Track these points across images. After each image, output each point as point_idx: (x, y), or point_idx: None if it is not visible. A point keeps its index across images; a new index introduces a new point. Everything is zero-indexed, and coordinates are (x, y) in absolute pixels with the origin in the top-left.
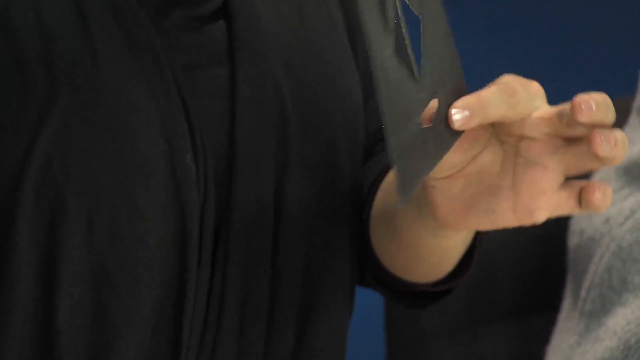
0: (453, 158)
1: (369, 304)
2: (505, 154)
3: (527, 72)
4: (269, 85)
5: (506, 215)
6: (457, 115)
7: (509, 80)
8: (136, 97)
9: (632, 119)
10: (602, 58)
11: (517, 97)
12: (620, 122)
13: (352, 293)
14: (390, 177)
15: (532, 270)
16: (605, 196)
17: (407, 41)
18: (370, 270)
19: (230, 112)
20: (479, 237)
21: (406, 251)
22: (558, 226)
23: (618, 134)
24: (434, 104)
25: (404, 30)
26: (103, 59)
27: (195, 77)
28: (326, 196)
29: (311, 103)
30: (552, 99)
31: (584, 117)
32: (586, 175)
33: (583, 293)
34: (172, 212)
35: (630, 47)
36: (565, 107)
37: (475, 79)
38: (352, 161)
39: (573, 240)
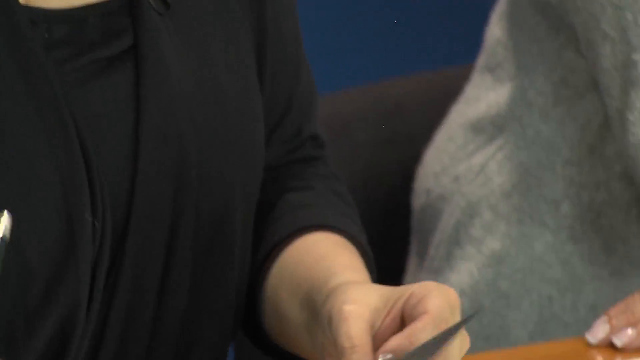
0: None
1: None
2: None
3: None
4: (172, 134)
5: None
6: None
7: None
8: (35, 151)
9: (476, 77)
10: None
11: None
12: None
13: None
14: (298, 249)
15: (377, 236)
16: None
17: None
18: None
19: (132, 160)
20: None
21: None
22: (402, 190)
23: None
24: None
25: None
26: (3, 112)
27: (99, 125)
28: (216, 246)
29: (212, 154)
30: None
31: None
32: None
33: (432, 251)
34: (65, 269)
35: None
36: None
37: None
38: (246, 212)
39: (419, 200)
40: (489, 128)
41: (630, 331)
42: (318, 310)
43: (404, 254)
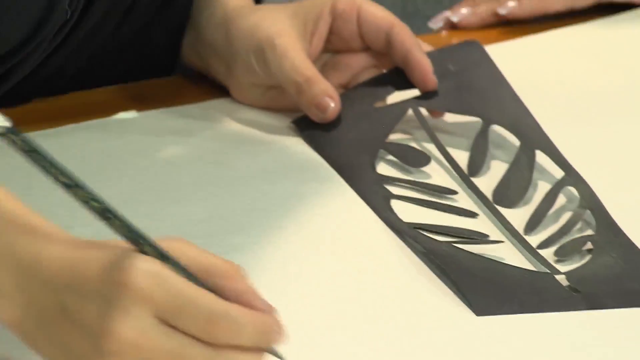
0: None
1: None
2: None
3: None
4: None
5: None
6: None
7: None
8: None
9: None
10: None
11: None
12: None
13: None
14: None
15: None
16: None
17: None
18: None
19: None
20: None
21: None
22: None
23: None
24: None
25: None
26: None
27: None
28: None
29: None
30: None
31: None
32: None
33: None
34: None
35: None
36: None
37: None
38: None
39: None
40: None
41: (464, 10)
42: (209, 33)
43: None
